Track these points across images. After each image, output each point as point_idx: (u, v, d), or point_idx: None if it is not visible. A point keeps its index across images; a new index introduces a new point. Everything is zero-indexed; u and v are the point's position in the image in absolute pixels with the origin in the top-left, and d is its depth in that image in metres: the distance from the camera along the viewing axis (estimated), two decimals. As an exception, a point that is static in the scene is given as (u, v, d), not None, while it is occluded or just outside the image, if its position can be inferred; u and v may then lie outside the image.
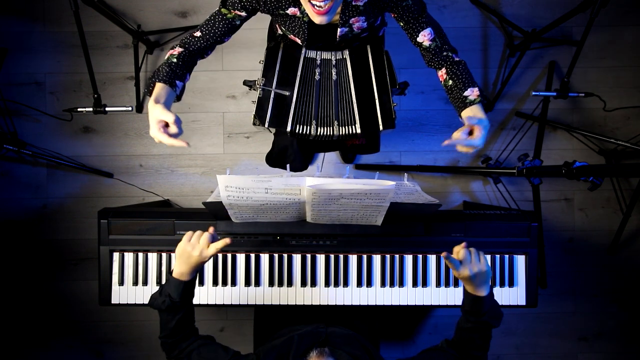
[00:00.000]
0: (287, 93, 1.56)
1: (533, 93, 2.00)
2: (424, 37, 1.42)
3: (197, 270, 1.37)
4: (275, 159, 2.01)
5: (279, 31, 1.66)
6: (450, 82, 1.44)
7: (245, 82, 1.62)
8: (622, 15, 2.49)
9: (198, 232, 1.35)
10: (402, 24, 1.43)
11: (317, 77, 1.60)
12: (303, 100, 1.58)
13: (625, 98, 2.48)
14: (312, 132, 1.56)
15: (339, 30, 1.48)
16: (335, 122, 1.57)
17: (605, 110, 2.27)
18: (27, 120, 2.42)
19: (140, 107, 2.44)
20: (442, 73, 1.46)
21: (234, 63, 2.45)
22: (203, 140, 2.46)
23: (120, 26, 2.22)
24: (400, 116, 2.46)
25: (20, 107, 2.39)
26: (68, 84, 2.43)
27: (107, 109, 1.99)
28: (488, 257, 1.65)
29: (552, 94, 2.00)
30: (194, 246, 1.31)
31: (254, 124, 1.56)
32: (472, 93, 1.40)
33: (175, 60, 1.40)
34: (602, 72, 2.49)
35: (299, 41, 1.53)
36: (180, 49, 1.43)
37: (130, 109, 1.98)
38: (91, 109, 1.99)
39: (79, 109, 2.04)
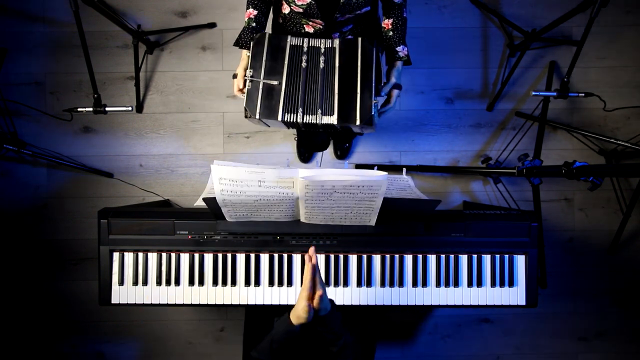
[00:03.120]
0: (276, 82, 1.57)
1: (533, 93, 2.00)
2: None
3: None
4: (301, 146, 2.16)
5: (285, 10, 1.67)
6: (391, 33, 1.65)
7: (234, 76, 1.62)
8: (622, 15, 2.49)
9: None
10: None
11: (304, 64, 1.59)
12: (291, 89, 1.58)
13: (625, 98, 2.48)
14: (299, 120, 1.58)
15: None
16: (319, 111, 1.58)
17: (605, 110, 2.27)
18: (27, 120, 2.42)
19: (140, 107, 2.44)
20: (387, 22, 1.65)
21: (234, 63, 2.45)
22: (203, 140, 2.46)
23: (120, 26, 2.22)
24: (400, 116, 2.46)
25: (20, 107, 2.39)
26: (68, 84, 2.43)
27: (107, 109, 1.99)
28: (488, 257, 1.65)
29: (552, 94, 1.99)
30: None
31: (246, 116, 1.57)
32: (402, 51, 1.65)
33: (254, 24, 1.63)
34: (602, 72, 2.49)
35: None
36: (255, 12, 1.62)
37: (130, 109, 1.98)
38: (91, 109, 1.99)
39: (79, 109, 2.03)
